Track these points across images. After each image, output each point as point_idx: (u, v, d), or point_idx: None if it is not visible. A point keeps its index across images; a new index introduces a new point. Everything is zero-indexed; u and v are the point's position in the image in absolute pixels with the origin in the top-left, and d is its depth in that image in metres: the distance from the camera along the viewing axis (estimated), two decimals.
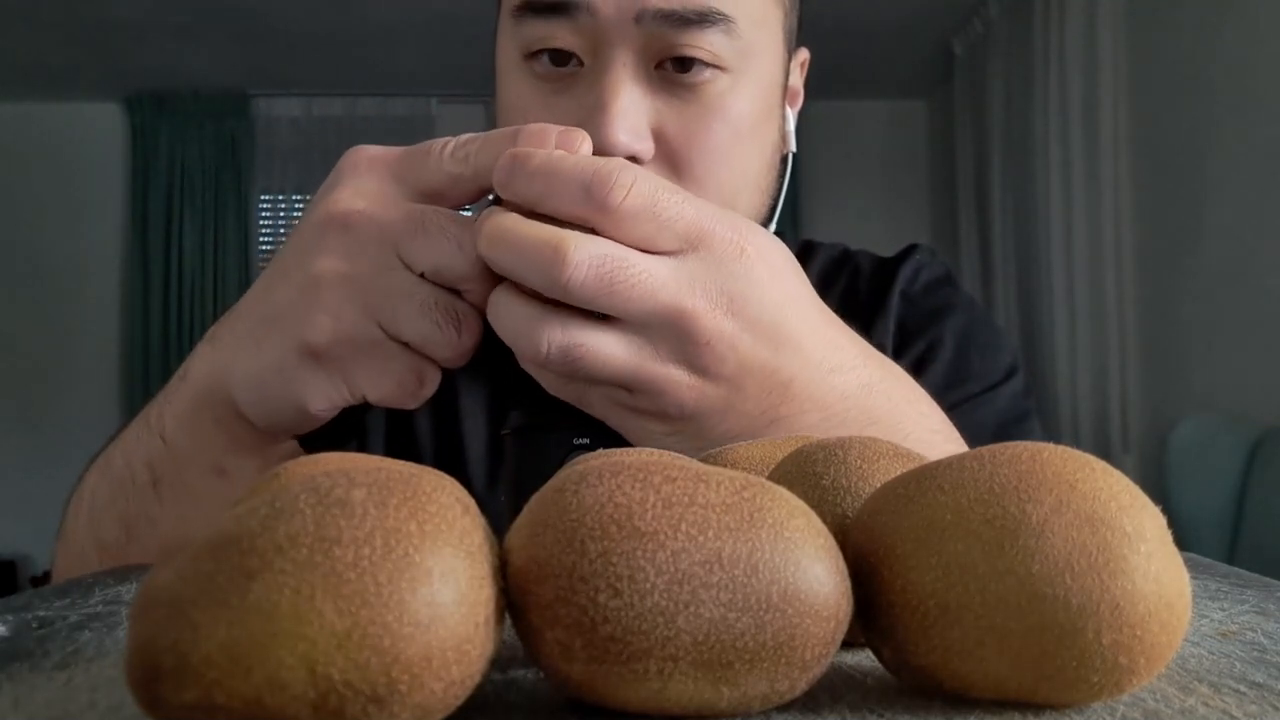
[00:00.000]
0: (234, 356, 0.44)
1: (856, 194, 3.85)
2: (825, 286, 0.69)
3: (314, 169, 3.81)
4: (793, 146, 0.64)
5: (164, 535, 0.48)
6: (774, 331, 0.39)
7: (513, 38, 0.56)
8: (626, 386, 0.38)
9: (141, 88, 3.71)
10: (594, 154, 0.52)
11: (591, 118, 0.51)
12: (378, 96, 3.78)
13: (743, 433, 0.39)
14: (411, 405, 0.42)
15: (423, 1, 3.06)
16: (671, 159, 0.54)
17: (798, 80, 0.65)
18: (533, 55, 0.54)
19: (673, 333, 0.37)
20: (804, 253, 0.74)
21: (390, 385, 0.41)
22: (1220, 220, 2.23)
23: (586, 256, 0.36)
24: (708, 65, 0.53)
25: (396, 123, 3.79)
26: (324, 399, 0.42)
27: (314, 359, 0.41)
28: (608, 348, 0.37)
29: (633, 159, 0.53)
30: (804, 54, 0.65)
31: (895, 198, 3.90)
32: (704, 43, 0.52)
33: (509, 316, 0.37)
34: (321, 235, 0.41)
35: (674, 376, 0.38)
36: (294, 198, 3.86)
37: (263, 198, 3.86)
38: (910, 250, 0.73)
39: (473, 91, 3.77)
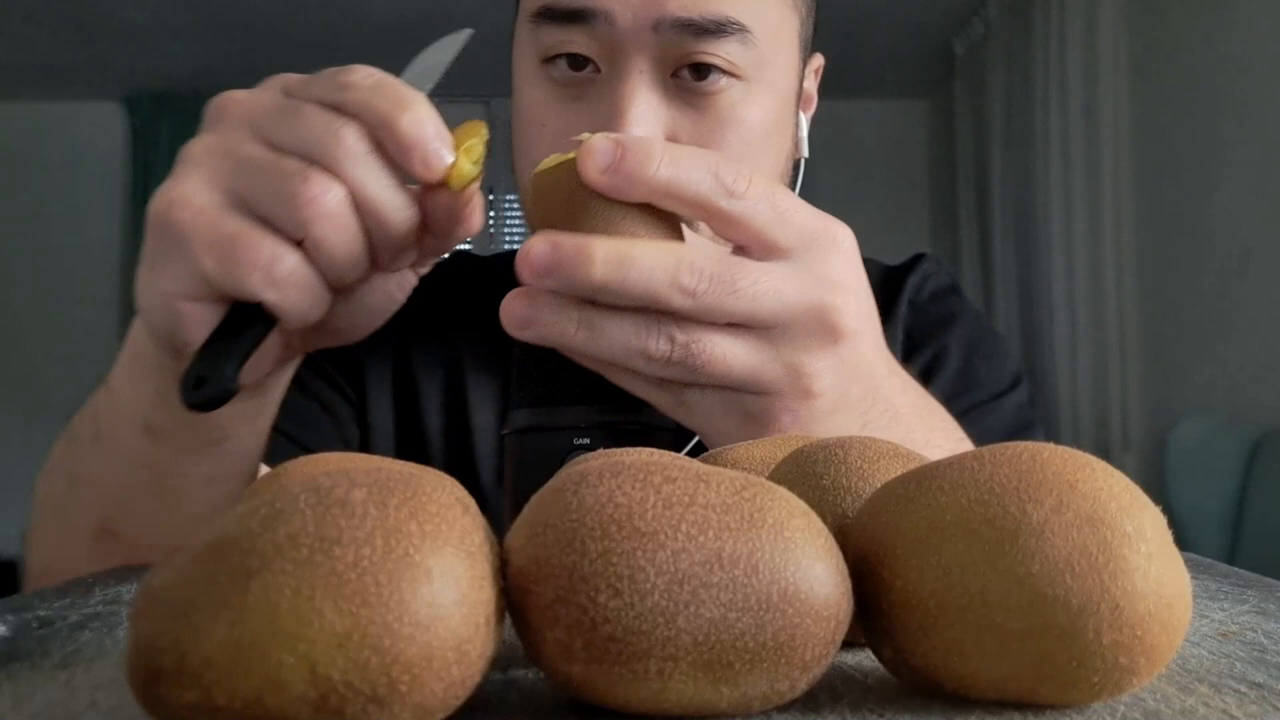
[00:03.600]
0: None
1: (856, 194, 3.84)
2: None
3: None
4: (805, 152, 0.64)
5: (100, 499, 0.47)
6: (875, 331, 0.39)
7: (531, 43, 0.56)
8: (744, 388, 0.37)
9: (141, 88, 3.71)
10: None
11: (607, 124, 0.52)
12: None
13: (840, 433, 0.38)
14: (296, 317, 0.36)
15: (423, 1, 3.06)
16: None
17: (812, 85, 0.65)
18: (550, 60, 0.55)
19: (805, 330, 0.37)
20: None
21: (254, 275, 0.35)
22: (1220, 220, 2.23)
23: (705, 263, 0.35)
24: (724, 74, 0.53)
25: None
26: (184, 285, 0.36)
27: (177, 245, 0.36)
28: (731, 347, 0.36)
29: None
30: (818, 60, 0.65)
31: (895, 198, 3.90)
32: (721, 51, 0.52)
33: (619, 328, 0.35)
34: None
35: (803, 372, 0.37)
36: None
37: None
38: (917, 259, 0.73)
39: (473, 91, 3.76)
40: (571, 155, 0.36)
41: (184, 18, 3.13)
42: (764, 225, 0.36)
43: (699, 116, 0.54)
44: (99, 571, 0.43)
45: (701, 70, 0.53)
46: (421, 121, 0.35)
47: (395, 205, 0.36)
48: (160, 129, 3.75)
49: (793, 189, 0.63)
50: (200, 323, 0.36)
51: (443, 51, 0.43)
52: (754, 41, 0.53)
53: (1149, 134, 2.51)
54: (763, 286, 0.36)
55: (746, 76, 0.54)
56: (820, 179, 3.90)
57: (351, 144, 0.35)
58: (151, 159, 3.76)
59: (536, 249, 0.34)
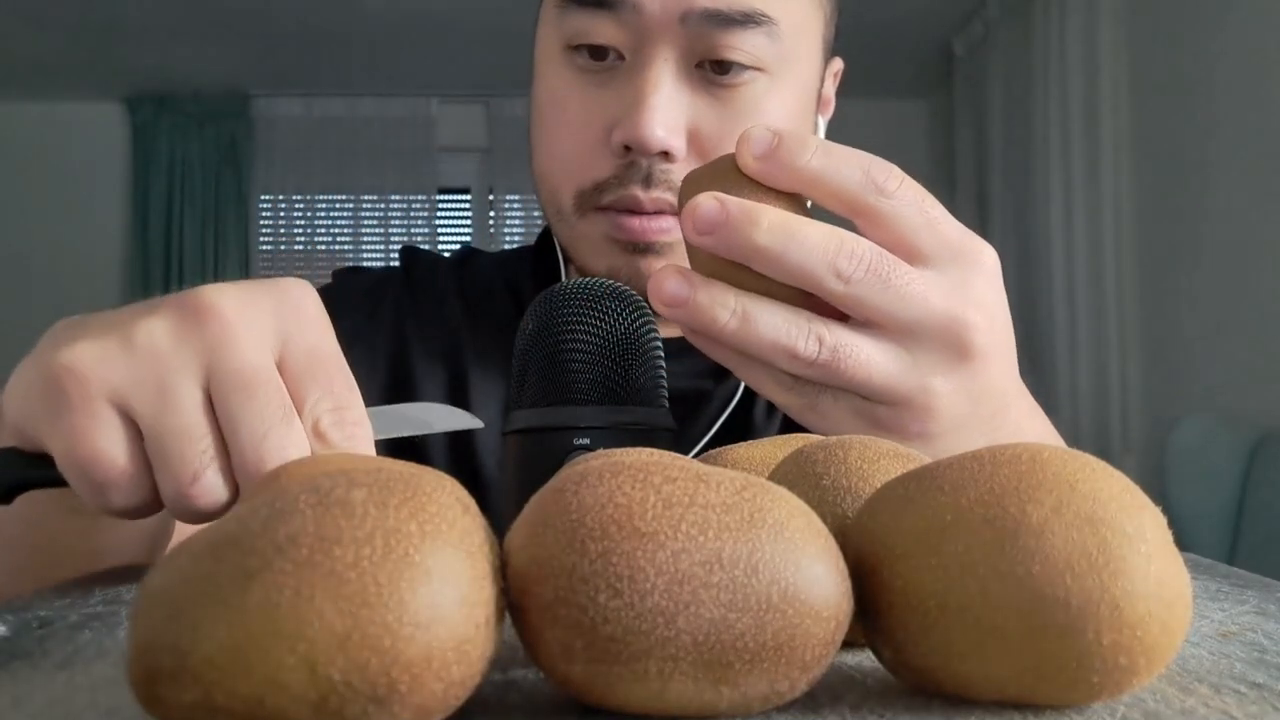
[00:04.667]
0: None
1: None
2: None
3: (314, 169, 3.81)
4: None
5: None
6: (1008, 354, 0.39)
7: (556, 28, 0.56)
8: (879, 397, 0.36)
9: (141, 88, 3.71)
10: (628, 148, 0.53)
11: (629, 111, 0.52)
12: (378, 96, 3.77)
13: (964, 449, 0.38)
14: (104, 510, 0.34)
15: (423, 1, 3.06)
16: (705, 159, 0.54)
17: (830, 89, 0.65)
18: (574, 48, 0.55)
19: (940, 342, 0.36)
20: None
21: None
22: (1221, 220, 2.23)
23: (866, 250, 0.35)
24: (747, 67, 0.53)
25: (396, 123, 3.79)
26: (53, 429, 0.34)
27: (65, 404, 0.33)
28: (874, 353, 0.35)
29: (665, 155, 0.53)
30: (837, 63, 0.65)
31: None
32: (746, 44, 0.52)
33: (773, 318, 0.35)
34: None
35: (930, 388, 0.37)
36: (294, 198, 3.85)
37: (263, 198, 3.85)
38: None
39: (473, 91, 3.76)
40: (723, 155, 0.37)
41: (184, 18, 3.13)
42: (911, 229, 0.35)
43: (722, 108, 0.54)
44: (99, 571, 0.43)
45: (724, 65, 0.53)
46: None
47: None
48: (160, 129, 3.75)
49: None
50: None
51: (437, 420, 0.41)
52: (779, 35, 0.53)
53: (1149, 134, 2.51)
54: (913, 289, 0.35)
55: (770, 70, 0.54)
56: None
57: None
58: (151, 159, 3.76)
59: (705, 204, 0.34)
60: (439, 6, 3.07)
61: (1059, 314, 2.77)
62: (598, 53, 0.54)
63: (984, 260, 0.37)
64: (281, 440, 0.32)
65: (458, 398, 0.65)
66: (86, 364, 0.33)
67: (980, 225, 3.36)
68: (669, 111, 0.52)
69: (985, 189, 3.28)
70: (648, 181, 0.54)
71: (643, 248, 0.55)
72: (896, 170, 0.36)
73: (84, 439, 0.32)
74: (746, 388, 0.63)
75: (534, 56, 0.59)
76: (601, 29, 0.53)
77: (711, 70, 0.53)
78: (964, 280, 0.36)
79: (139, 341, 0.33)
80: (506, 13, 2.88)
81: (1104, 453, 2.42)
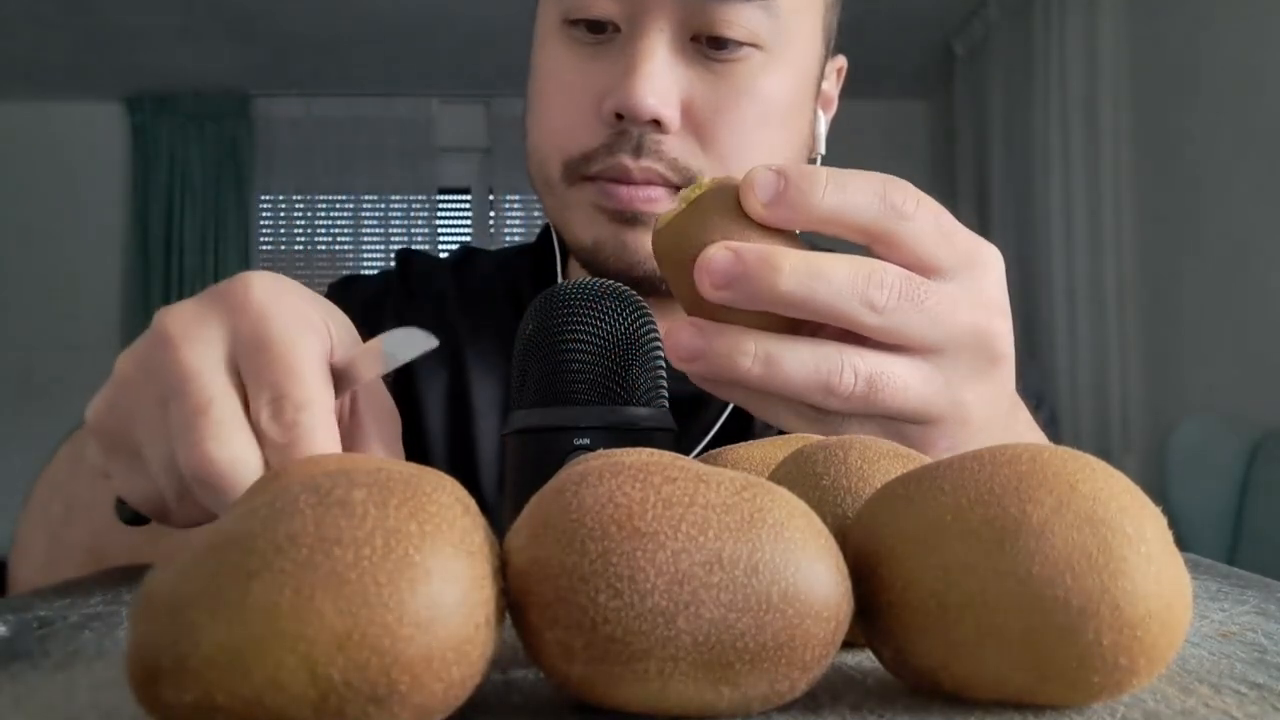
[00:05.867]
0: None
1: None
2: None
3: (314, 169, 3.80)
4: (822, 149, 0.64)
5: (93, 527, 0.49)
6: (1016, 343, 0.38)
7: (555, 3, 0.56)
8: (914, 419, 0.35)
9: (141, 88, 3.70)
10: (620, 116, 0.52)
11: (621, 80, 0.52)
12: (378, 96, 3.77)
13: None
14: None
15: (423, 1, 3.06)
16: (697, 132, 0.54)
17: (833, 87, 0.65)
18: (572, 22, 0.55)
19: (969, 354, 0.35)
20: None
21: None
22: (1220, 220, 2.23)
23: (894, 276, 0.33)
24: (743, 44, 0.53)
25: (397, 123, 3.79)
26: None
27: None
28: (909, 376, 0.34)
29: (657, 124, 0.53)
30: (840, 60, 0.65)
31: None
32: (742, 19, 0.52)
33: (800, 356, 0.33)
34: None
35: (962, 401, 0.36)
36: (294, 198, 3.85)
37: (263, 198, 3.85)
38: None
39: (473, 91, 3.76)
40: (699, 193, 0.34)
41: (184, 18, 3.13)
42: (931, 246, 0.34)
43: (717, 81, 0.54)
44: (99, 572, 0.43)
45: (720, 40, 0.53)
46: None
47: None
48: (160, 129, 3.74)
49: None
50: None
51: (400, 351, 0.41)
52: (777, 10, 0.53)
53: (1149, 134, 2.51)
54: (942, 307, 0.34)
55: (767, 47, 0.54)
56: None
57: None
58: (151, 159, 3.76)
59: (718, 257, 0.32)
60: (439, 6, 3.07)
61: (1059, 314, 2.76)
62: (595, 26, 0.54)
63: (992, 262, 0.36)
64: (215, 452, 0.32)
65: (459, 402, 0.65)
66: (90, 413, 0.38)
67: (980, 225, 3.36)
68: (662, 80, 0.52)
69: (985, 189, 3.28)
70: (637, 151, 0.53)
71: (630, 217, 0.55)
72: (910, 188, 0.35)
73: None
74: None
75: (534, 34, 0.59)
76: (599, 3, 0.53)
77: (707, 45, 0.53)
78: (980, 287, 0.36)
79: (116, 379, 0.37)
80: (506, 13, 2.89)
81: (1104, 453, 2.42)
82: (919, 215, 0.34)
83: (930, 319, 0.34)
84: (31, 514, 0.53)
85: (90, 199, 3.79)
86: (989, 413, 0.37)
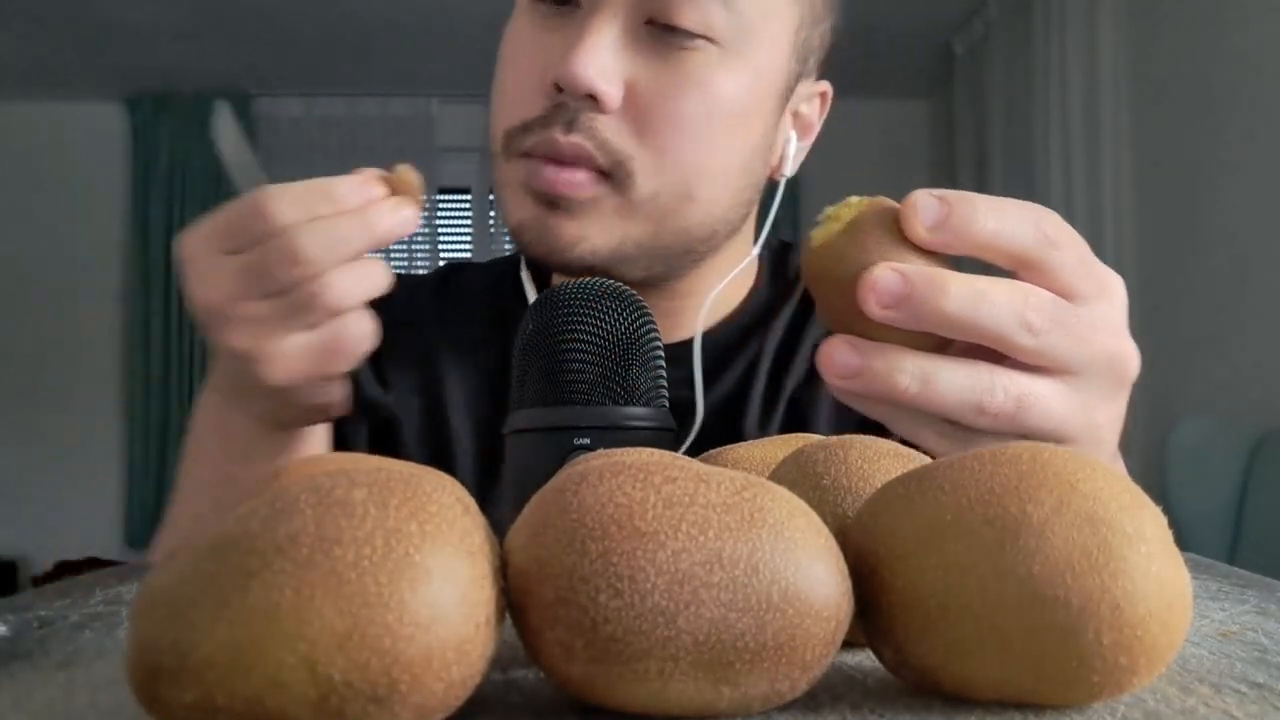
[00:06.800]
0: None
1: (856, 194, 3.84)
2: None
3: (314, 169, 3.79)
4: (788, 171, 0.63)
5: None
6: None
7: None
8: (1053, 438, 0.36)
9: (141, 88, 3.71)
10: (559, 88, 0.53)
11: (565, 51, 0.52)
12: (378, 96, 3.77)
13: None
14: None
15: (423, 1, 3.06)
16: (637, 118, 0.53)
17: (813, 111, 0.64)
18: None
19: (1104, 377, 0.36)
20: (782, 253, 0.71)
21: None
22: (1221, 220, 2.23)
23: (1046, 300, 0.34)
24: (695, 34, 0.52)
25: (397, 123, 3.79)
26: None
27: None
28: (1052, 397, 0.35)
29: (595, 101, 0.52)
30: (824, 85, 0.64)
31: (895, 198, 3.89)
32: (699, 9, 0.52)
33: (954, 377, 0.34)
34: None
35: (1097, 422, 0.37)
36: None
37: None
38: None
39: (473, 91, 3.76)
40: (853, 214, 0.35)
41: (184, 18, 3.13)
42: (1074, 274, 0.35)
43: (665, 69, 0.53)
44: (99, 571, 0.43)
45: (674, 28, 0.52)
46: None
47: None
48: (160, 129, 3.74)
49: (769, 207, 0.62)
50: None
51: (228, 136, 0.48)
52: (737, 7, 0.53)
53: (1149, 134, 2.51)
54: (1084, 331, 0.35)
55: (722, 43, 0.53)
56: (820, 179, 3.91)
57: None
58: (151, 159, 3.76)
59: (886, 278, 0.33)
60: (439, 6, 3.07)
61: None
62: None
63: (1120, 291, 0.38)
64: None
65: (432, 404, 0.64)
66: None
67: None
68: (604, 56, 0.52)
69: (985, 189, 3.28)
70: (570, 125, 0.53)
71: (552, 200, 0.54)
72: (1056, 217, 0.36)
73: None
74: (732, 396, 0.63)
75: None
76: None
77: (661, 28, 0.53)
78: (1113, 314, 0.37)
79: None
80: (507, 13, 2.88)
81: None
82: (1066, 244, 0.35)
83: (1075, 342, 0.35)
84: (176, 519, 0.55)
85: (90, 199, 3.79)
86: (1113, 433, 0.39)
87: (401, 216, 0.45)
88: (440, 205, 3.92)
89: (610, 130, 0.53)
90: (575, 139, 0.53)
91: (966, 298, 0.33)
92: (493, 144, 0.58)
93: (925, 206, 0.34)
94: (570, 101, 0.53)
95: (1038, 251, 0.35)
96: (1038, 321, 0.34)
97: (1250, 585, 0.36)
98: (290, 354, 0.43)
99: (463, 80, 3.65)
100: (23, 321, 3.75)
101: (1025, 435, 0.35)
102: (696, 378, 0.60)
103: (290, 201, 0.42)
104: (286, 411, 0.48)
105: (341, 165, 4.01)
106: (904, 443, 0.33)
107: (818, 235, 0.35)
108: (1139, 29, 2.55)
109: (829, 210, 0.36)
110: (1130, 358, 0.37)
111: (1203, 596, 0.34)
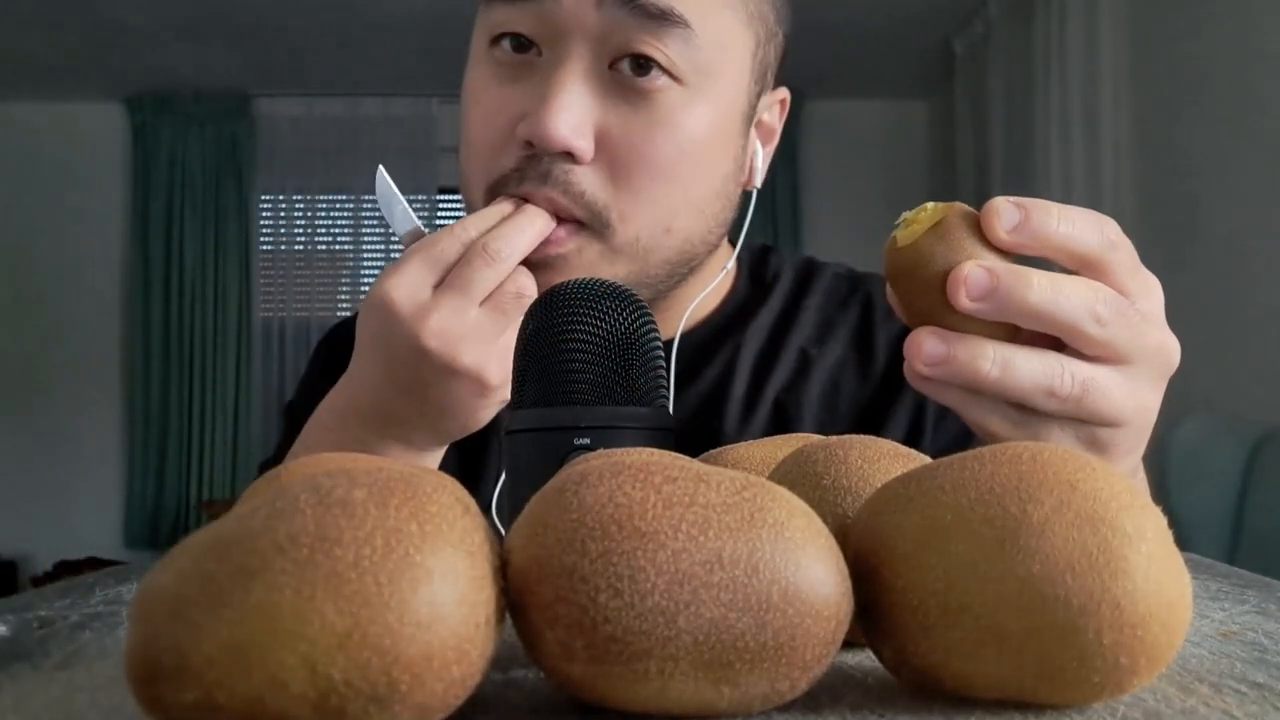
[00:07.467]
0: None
1: (856, 194, 3.84)
2: (835, 312, 0.68)
3: (314, 169, 3.80)
4: (758, 182, 0.63)
5: None
6: None
7: (483, 22, 0.56)
8: (1110, 422, 0.39)
9: (141, 88, 3.71)
10: (533, 145, 0.52)
11: (536, 106, 0.52)
12: (378, 96, 3.77)
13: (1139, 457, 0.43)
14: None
15: (424, 1, 3.06)
16: (611, 165, 0.53)
17: (775, 119, 0.64)
18: (495, 42, 0.55)
19: (1153, 366, 0.40)
20: (809, 272, 0.71)
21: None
22: (1220, 221, 2.23)
23: (1111, 294, 0.38)
24: (663, 72, 0.53)
25: (397, 123, 3.79)
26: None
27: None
28: (1111, 384, 0.39)
29: (569, 155, 0.53)
30: (783, 93, 0.64)
31: (895, 198, 3.89)
32: (661, 44, 0.52)
33: (1030, 363, 0.38)
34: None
35: (1149, 407, 0.40)
36: (294, 198, 3.85)
37: (263, 198, 3.85)
38: None
39: None
40: (937, 217, 0.38)
41: (184, 18, 3.13)
42: (1129, 274, 0.39)
43: (633, 113, 0.53)
44: (99, 572, 0.43)
45: (642, 64, 0.52)
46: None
47: None
48: (160, 129, 3.74)
49: (743, 221, 0.63)
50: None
51: (385, 193, 0.55)
52: (697, 44, 0.53)
53: (1149, 134, 2.51)
54: (1140, 324, 0.39)
55: (686, 82, 0.54)
56: (820, 179, 3.91)
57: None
58: (151, 159, 3.76)
59: (975, 273, 0.36)
60: (440, 6, 3.07)
61: None
62: (519, 44, 0.54)
63: (1159, 290, 0.41)
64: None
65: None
66: None
67: None
68: (575, 111, 0.52)
69: (985, 189, 3.28)
70: (544, 179, 0.53)
71: (535, 263, 0.53)
72: (1114, 223, 0.39)
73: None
74: (709, 396, 0.63)
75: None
76: (521, 21, 0.54)
77: (628, 70, 0.53)
78: (1158, 310, 0.41)
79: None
80: None
81: None
82: (1123, 248, 0.39)
83: (1132, 334, 0.39)
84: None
85: (90, 199, 3.79)
86: (1155, 418, 0.42)
87: (544, 219, 0.52)
88: (440, 205, 3.92)
89: (586, 182, 0.53)
90: (550, 194, 0.53)
91: (1048, 291, 0.37)
92: (469, 196, 0.59)
93: (1005, 211, 0.38)
94: (544, 156, 0.53)
95: (1101, 253, 0.38)
96: (1105, 314, 0.38)
97: (1250, 585, 0.36)
98: (506, 350, 0.47)
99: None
100: (23, 321, 3.75)
101: (1087, 419, 0.39)
102: (670, 379, 0.60)
103: (468, 225, 0.50)
104: (474, 420, 0.51)
105: (341, 165, 4.01)
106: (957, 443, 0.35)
107: (901, 236, 0.39)
108: (1139, 29, 2.55)
109: (906, 215, 0.39)
110: (1174, 350, 0.41)
111: (1203, 596, 0.34)
